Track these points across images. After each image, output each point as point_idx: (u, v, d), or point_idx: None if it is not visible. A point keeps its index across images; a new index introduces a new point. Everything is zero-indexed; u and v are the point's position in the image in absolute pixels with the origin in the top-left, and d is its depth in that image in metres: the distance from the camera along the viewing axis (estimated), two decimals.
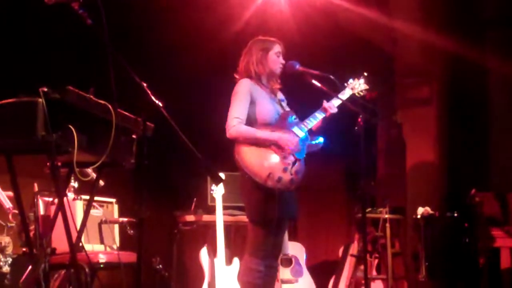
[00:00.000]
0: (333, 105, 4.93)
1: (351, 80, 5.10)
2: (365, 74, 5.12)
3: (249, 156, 4.64)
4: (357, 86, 5.08)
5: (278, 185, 4.60)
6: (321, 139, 4.95)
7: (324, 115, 4.90)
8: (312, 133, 4.89)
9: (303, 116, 4.94)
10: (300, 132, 4.81)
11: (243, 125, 4.67)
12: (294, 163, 4.69)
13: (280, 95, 5.03)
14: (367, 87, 5.06)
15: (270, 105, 4.84)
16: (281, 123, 4.82)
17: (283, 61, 4.92)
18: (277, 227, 4.74)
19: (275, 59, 4.90)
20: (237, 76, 4.93)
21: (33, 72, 5.69)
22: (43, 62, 6.06)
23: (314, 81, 4.86)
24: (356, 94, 5.06)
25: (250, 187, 4.66)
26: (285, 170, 4.64)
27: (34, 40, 6.16)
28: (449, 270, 5.63)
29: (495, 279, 6.00)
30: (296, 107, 5.05)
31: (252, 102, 4.77)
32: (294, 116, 4.90)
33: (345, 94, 5.04)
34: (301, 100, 5.04)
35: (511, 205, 6.13)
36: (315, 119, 4.90)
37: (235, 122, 4.66)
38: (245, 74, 4.88)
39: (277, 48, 4.93)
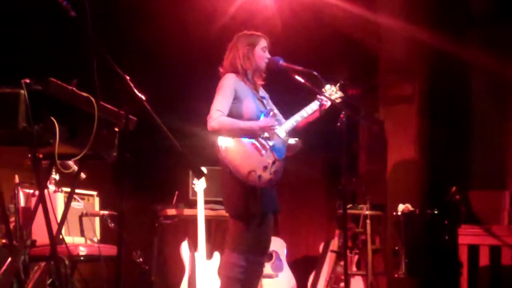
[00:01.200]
0: (325, 101, 4.94)
1: (327, 86, 5.02)
2: (342, 82, 5.09)
3: (232, 151, 4.65)
4: (333, 92, 5.03)
5: (258, 182, 4.62)
6: (299, 141, 4.96)
7: (316, 109, 4.92)
8: (291, 134, 4.92)
9: (284, 114, 4.98)
10: (281, 132, 4.83)
11: (225, 117, 4.67)
12: (273, 163, 4.72)
13: (262, 92, 5.03)
14: (342, 95, 5.04)
15: (253, 103, 4.84)
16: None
17: (269, 56, 4.92)
18: (260, 222, 4.76)
19: (261, 54, 4.90)
20: (222, 70, 4.92)
21: (15, 64, 5.66)
22: (26, 53, 6.03)
23: (297, 77, 4.86)
24: (332, 101, 5.00)
25: (231, 182, 4.67)
26: (265, 168, 4.67)
27: (17, 32, 6.12)
28: (429, 267, 5.65)
29: (473, 277, 6.05)
30: (278, 103, 5.07)
31: (236, 99, 4.77)
32: (276, 114, 4.91)
33: (324, 99, 5.01)
34: (283, 97, 5.06)
35: (485, 203, 6.20)
36: (304, 115, 4.92)
37: (217, 115, 4.65)
38: (231, 69, 4.86)
39: (263, 43, 4.92)
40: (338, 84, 5.04)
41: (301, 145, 4.99)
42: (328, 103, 4.95)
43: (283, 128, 4.86)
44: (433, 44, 6.74)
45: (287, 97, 5.09)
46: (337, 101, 4.96)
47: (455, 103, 7.09)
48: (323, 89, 4.99)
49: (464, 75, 7.13)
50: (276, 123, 4.83)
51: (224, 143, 4.65)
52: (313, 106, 4.96)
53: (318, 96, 4.96)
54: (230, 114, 4.73)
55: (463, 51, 6.85)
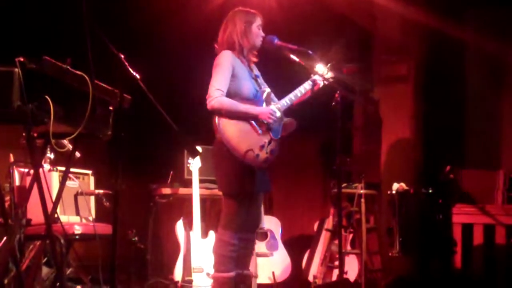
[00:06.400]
0: (319, 81, 4.95)
1: (318, 66, 4.99)
2: (333, 62, 5.07)
3: (229, 130, 4.65)
4: (325, 73, 5.02)
5: (256, 161, 4.64)
6: (293, 120, 4.97)
7: (310, 88, 4.92)
8: (286, 114, 4.92)
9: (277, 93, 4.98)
10: (276, 111, 4.83)
11: (226, 98, 4.66)
12: (269, 142, 4.73)
13: (256, 71, 5.02)
14: (333, 75, 5.03)
15: (249, 81, 4.84)
16: (259, 101, 4.83)
17: (263, 34, 4.91)
18: (251, 201, 4.78)
19: (257, 32, 4.88)
20: (217, 47, 4.90)
21: (9, 42, 5.64)
22: (20, 32, 6.00)
23: (292, 56, 4.85)
24: (325, 82, 5.00)
25: (228, 160, 4.67)
26: (262, 147, 4.68)
27: (11, 10, 6.09)
28: (423, 246, 5.68)
29: (467, 255, 6.08)
30: (271, 82, 5.06)
31: (234, 76, 4.75)
32: (270, 93, 4.91)
33: (317, 79, 5.00)
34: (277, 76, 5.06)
35: (480, 182, 6.22)
36: (298, 95, 4.92)
37: (217, 94, 4.63)
38: (227, 45, 4.84)
39: (259, 21, 4.91)
40: (329, 65, 5.02)
41: (295, 125, 5.00)
42: (322, 83, 4.96)
43: (278, 108, 4.85)
44: (428, 23, 6.72)
45: (278, 75, 5.08)
46: (330, 81, 4.96)
47: (451, 83, 7.09)
48: (314, 69, 4.98)
49: (459, 55, 7.12)
50: (276, 113, 4.80)
51: (222, 121, 4.65)
52: (306, 85, 4.97)
53: (312, 76, 4.96)
54: (228, 92, 4.71)
55: (459, 30, 6.83)
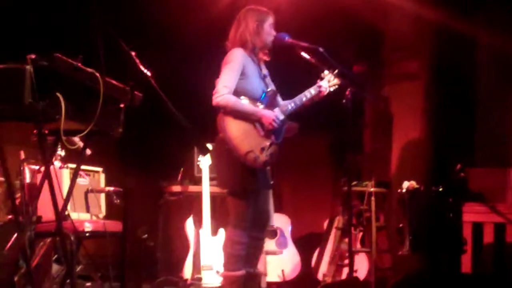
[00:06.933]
0: (325, 88, 4.93)
1: (326, 72, 4.99)
2: (339, 70, 5.03)
3: (232, 129, 4.65)
4: (331, 79, 5.01)
5: (255, 163, 4.64)
6: (296, 124, 4.97)
7: (315, 94, 4.90)
8: (291, 117, 4.91)
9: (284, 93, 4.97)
10: (280, 114, 4.82)
11: (233, 96, 4.66)
12: (270, 145, 4.72)
13: (264, 70, 5.00)
14: (339, 82, 5.00)
15: (257, 80, 4.83)
16: (265, 101, 4.81)
17: (275, 33, 4.90)
18: (256, 199, 4.77)
19: (270, 31, 4.88)
20: (229, 45, 4.89)
21: (21, 40, 5.65)
22: (32, 29, 6.01)
23: (303, 54, 4.84)
24: (330, 88, 4.98)
25: (229, 159, 4.67)
26: (262, 150, 4.67)
27: (23, 8, 6.10)
28: (433, 244, 5.66)
29: (477, 254, 6.06)
30: (279, 82, 5.05)
31: (243, 75, 4.74)
32: (276, 94, 4.89)
33: (323, 85, 4.97)
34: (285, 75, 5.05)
35: (490, 180, 6.19)
36: (303, 99, 4.90)
37: (225, 91, 4.63)
38: (239, 43, 4.83)
39: (271, 19, 4.90)
40: (336, 71, 4.98)
41: (297, 129, 5.01)
42: (327, 91, 4.93)
43: (282, 111, 4.83)
44: (439, 21, 6.71)
45: (287, 74, 5.07)
46: (333, 88, 4.95)
47: (461, 81, 7.06)
48: (323, 74, 4.96)
49: (470, 53, 7.09)
50: (279, 118, 4.79)
51: (226, 119, 4.65)
52: (312, 91, 4.92)
53: (318, 82, 4.93)
54: (235, 90, 4.70)
55: (469, 28, 6.81)
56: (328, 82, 4.95)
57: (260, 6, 4.97)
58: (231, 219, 4.80)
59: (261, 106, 4.78)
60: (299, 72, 5.10)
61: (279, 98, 4.96)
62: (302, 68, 5.04)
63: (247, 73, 4.76)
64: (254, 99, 4.76)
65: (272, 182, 5.01)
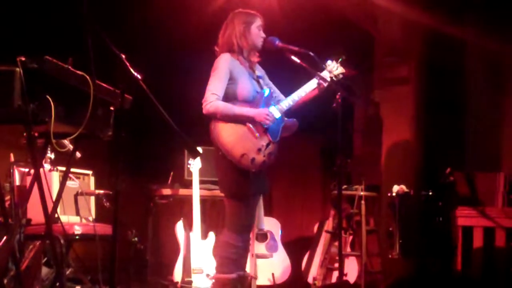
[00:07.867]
0: (325, 78, 4.91)
1: (329, 62, 4.97)
2: (343, 57, 5.05)
3: (225, 134, 4.64)
4: (334, 68, 5.00)
5: (251, 166, 4.63)
6: (295, 121, 4.96)
7: (315, 87, 4.90)
8: (287, 114, 4.90)
9: (284, 93, 4.97)
10: (276, 113, 4.82)
11: (221, 101, 4.66)
12: (268, 145, 4.71)
13: (258, 71, 5.00)
14: (343, 70, 5.01)
15: (249, 83, 4.83)
16: (259, 102, 4.81)
17: (264, 35, 4.90)
18: (250, 202, 4.78)
19: (257, 33, 4.88)
20: (217, 49, 4.90)
21: (11, 42, 5.64)
22: (21, 31, 6.00)
23: (293, 57, 4.84)
24: (333, 78, 4.98)
25: (224, 164, 4.67)
26: (258, 151, 4.67)
27: (12, 10, 6.09)
28: (423, 248, 5.68)
29: (467, 258, 6.07)
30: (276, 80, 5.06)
31: (232, 79, 4.74)
32: (272, 95, 4.89)
33: (324, 76, 4.98)
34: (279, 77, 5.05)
35: (480, 185, 6.20)
36: (302, 94, 4.89)
37: (213, 98, 4.64)
38: (226, 47, 4.84)
39: (259, 21, 4.90)
40: (340, 59, 5.00)
41: (296, 126, 4.99)
42: (328, 81, 4.92)
43: (279, 109, 4.84)
44: (429, 25, 6.73)
45: (285, 74, 5.07)
46: (339, 77, 4.94)
47: (451, 85, 7.08)
48: (324, 65, 4.95)
49: (460, 57, 7.11)
50: (273, 114, 4.79)
51: (217, 126, 4.65)
52: (311, 84, 4.92)
53: (318, 73, 4.91)
54: (225, 95, 4.71)
55: (459, 32, 6.83)
56: (330, 72, 4.94)
57: (249, 9, 4.98)
58: (226, 222, 4.80)
59: (258, 107, 4.77)
60: (299, 73, 5.09)
61: (279, 98, 4.96)
62: (299, 70, 5.03)
63: (235, 77, 4.76)
64: (246, 102, 4.76)
65: (267, 187, 5.02)
